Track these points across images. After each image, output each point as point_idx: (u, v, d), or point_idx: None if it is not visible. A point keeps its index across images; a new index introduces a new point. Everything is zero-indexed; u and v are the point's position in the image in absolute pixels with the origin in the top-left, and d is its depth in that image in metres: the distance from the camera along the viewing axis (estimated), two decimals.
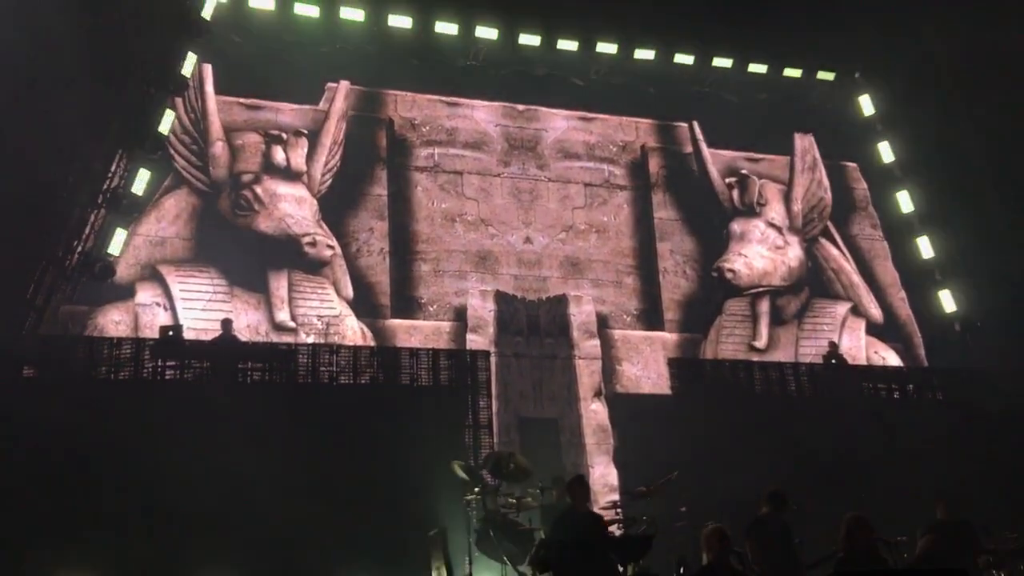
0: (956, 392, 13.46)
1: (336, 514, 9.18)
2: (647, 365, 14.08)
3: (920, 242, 15.40)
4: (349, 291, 13.28)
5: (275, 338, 12.49)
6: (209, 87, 13.54)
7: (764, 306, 14.98)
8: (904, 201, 15.68)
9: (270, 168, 13.58)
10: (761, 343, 14.73)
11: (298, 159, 13.71)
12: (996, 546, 8.66)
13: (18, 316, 10.49)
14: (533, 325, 13.87)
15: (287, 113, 13.95)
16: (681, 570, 8.09)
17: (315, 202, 13.55)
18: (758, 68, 15.98)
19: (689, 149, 15.72)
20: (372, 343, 12.88)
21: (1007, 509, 10.11)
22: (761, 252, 15.29)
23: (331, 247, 13.30)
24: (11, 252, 10.06)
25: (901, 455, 11.81)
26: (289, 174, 13.61)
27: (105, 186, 11.67)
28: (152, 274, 12.53)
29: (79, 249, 11.42)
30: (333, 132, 13.99)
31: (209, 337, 11.75)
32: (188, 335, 11.76)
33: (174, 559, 8.51)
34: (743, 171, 15.77)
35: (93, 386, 10.14)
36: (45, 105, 10.49)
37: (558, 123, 15.17)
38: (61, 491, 8.73)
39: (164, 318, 12.21)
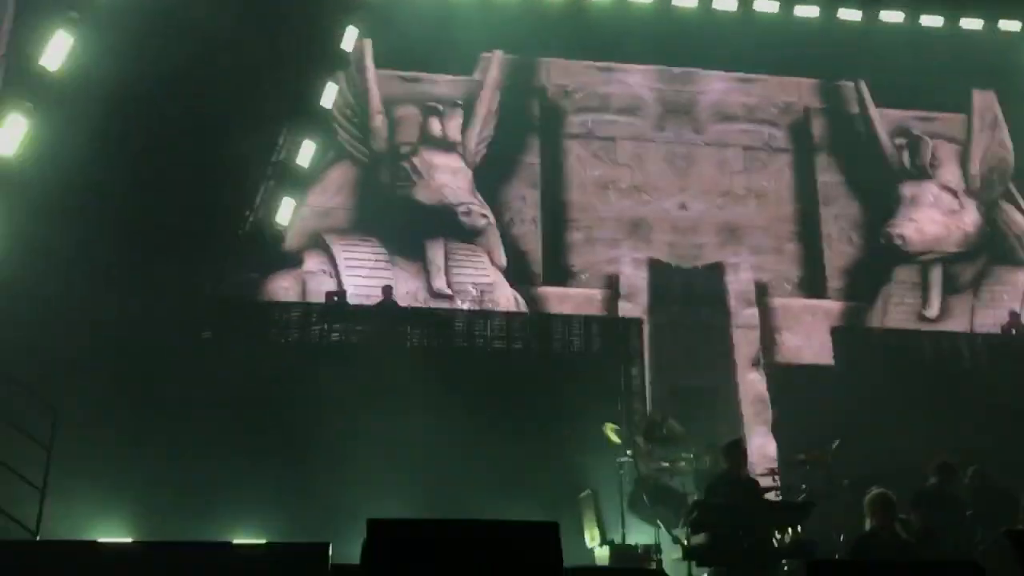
0: None
1: (489, 476, 9.39)
2: (809, 335, 13.60)
3: None
4: (503, 259, 13.46)
5: (433, 304, 12.84)
6: (369, 61, 13.98)
7: (936, 274, 14.16)
8: None
9: (427, 139, 13.91)
10: (932, 312, 13.94)
11: (454, 130, 13.97)
12: None
13: (197, 282, 11.20)
14: (688, 293, 13.65)
15: (443, 85, 14.23)
16: (842, 537, 7.82)
17: (470, 172, 13.79)
18: (932, 21, 14.99)
19: (856, 109, 14.98)
20: (525, 310, 13.03)
21: None
22: (933, 217, 14.43)
23: (485, 216, 13.51)
24: (189, 222, 10.73)
25: None
26: (445, 145, 13.90)
27: (273, 159, 12.26)
28: (318, 243, 13.11)
29: (251, 218, 12.07)
30: (487, 102, 14.17)
31: (371, 303, 12.23)
32: (352, 301, 12.30)
33: (338, 510, 8.92)
34: (914, 131, 14.91)
35: (265, 348, 10.77)
36: (218, 85, 11.12)
37: (715, 85, 14.78)
38: (236, 451, 9.31)
39: (330, 285, 12.77)
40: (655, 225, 13.94)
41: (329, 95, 13.05)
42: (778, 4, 14.58)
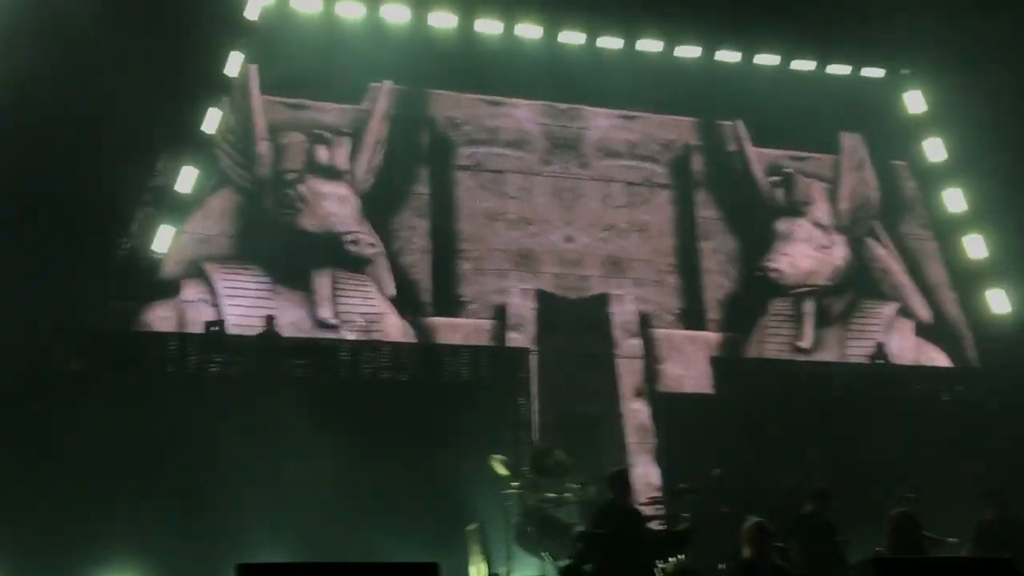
0: (1005, 394, 13.20)
1: (375, 509, 9.24)
2: (689, 364, 13.95)
3: (970, 241, 15.07)
4: (391, 289, 13.34)
5: (318, 335, 12.59)
6: (254, 87, 13.73)
7: (809, 306, 14.77)
8: (954, 199, 15.36)
9: (314, 167, 13.72)
10: (806, 343, 14.52)
11: (341, 158, 13.84)
12: None
13: (66, 311, 10.70)
14: (574, 324, 13.82)
15: (331, 113, 14.09)
16: (722, 567, 8.00)
17: (358, 200, 13.66)
18: (804, 65, 15.79)
19: (733, 147, 15.57)
20: (414, 340, 12.94)
21: None
22: (806, 251, 15.08)
23: (373, 245, 13.39)
24: (60, 247, 10.26)
25: (949, 456, 11.62)
26: (332, 173, 13.74)
27: (151, 184, 11.88)
28: (198, 271, 12.70)
29: (126, 246, 11.63)
30: (376, 131, 14.10)
31: (253, 333, 11.91)
32: (232, 331, 11.96)
33: (213, 551, 8.59)
34: (788, 170, 15.58)
35: (140, 380, 10.34)
36: (95, 106, 10.73)
37: (600, 121, 15.12)
38: (104, 484, 8.88)
39: (209, 314, 12.37)
40: (542, 257, 14.10)
41: (212, 121, 12.80)
42: (661, 44, 15.07)
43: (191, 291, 12.57)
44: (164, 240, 12.06)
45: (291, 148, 13.75)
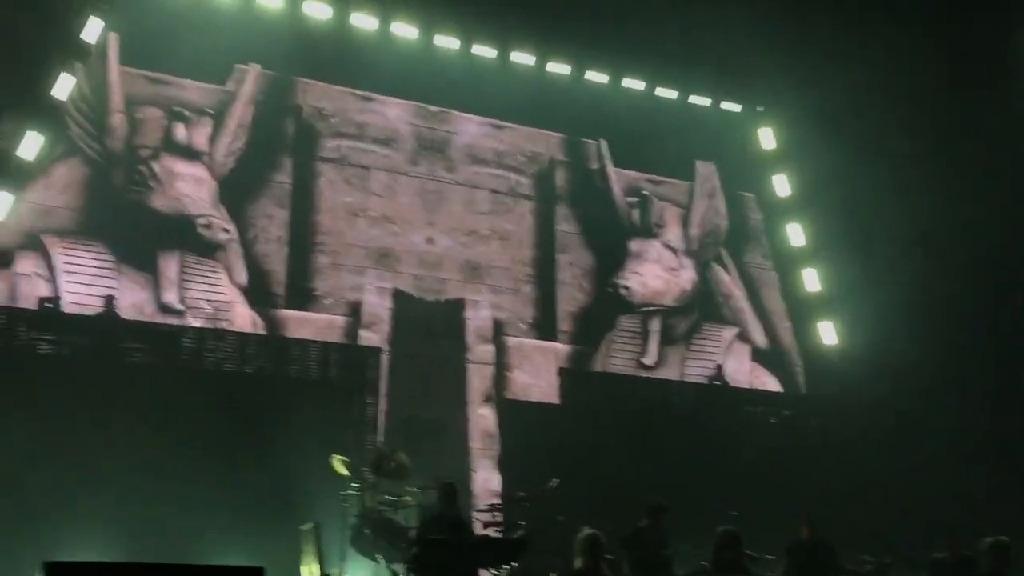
0: (829, 418, 14.13)
1: (208, 501, 8.99)
2: (538, 374, 14.22)
3: (806, 275, 16.01)
4: (243, 278, 12.99)
5: (161, 320, 12.13)
6: (113, 56, 13.06)
7: (655, 324, 15.32)
8: (794, 234, 16.28)
9: (170, 145, 13.18)
10: (650, 360, 15.05)
11: (200, 139, 13.36)
12: (854, 567, 9.09)
13: None
14: (429, 326, 13.85)
15: (193, 91, 13.59)
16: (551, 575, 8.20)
17: (215, 184, 13.23)
18: (667, 93, 16.39)
19: (595, 166, 15.97)
20: (263, 332, 12.65)
21: (866, 532, 10.63)
22: (656, 272, 15.64)
23: (227, 230, 12.99)
24: None
25: (775, 476, 12.32)
26: (190, 153, 13.25)
27: None
28: (35, 243, 11.99)
29: None
30: (239, 115, 13.69)
31: (91, 313, 11.37)
32: (68, 310, 11.37)
33: (34, 541, 8.16)
34: (645, 192, 16.12)
35: None
36: None
37: (470, 128, 15.22)
38: None
39: (45, 290, 11.70)
40: (402, 257, 14.06)
41: (64, 86, 12.13)
42: (533, 58, 15.32)
43: (26, 264, 11.85)
44: (2, 208, 11.33)
45: (147, 123, 13.17)
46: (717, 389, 14.85)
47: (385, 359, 12.98)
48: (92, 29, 12.47)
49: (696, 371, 15.23)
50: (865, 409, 14.01)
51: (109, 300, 11.45)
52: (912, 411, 13.51)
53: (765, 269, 16.56)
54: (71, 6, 12.21)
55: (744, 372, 15.58)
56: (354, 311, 13.45)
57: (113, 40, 13.05)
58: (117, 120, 12.94)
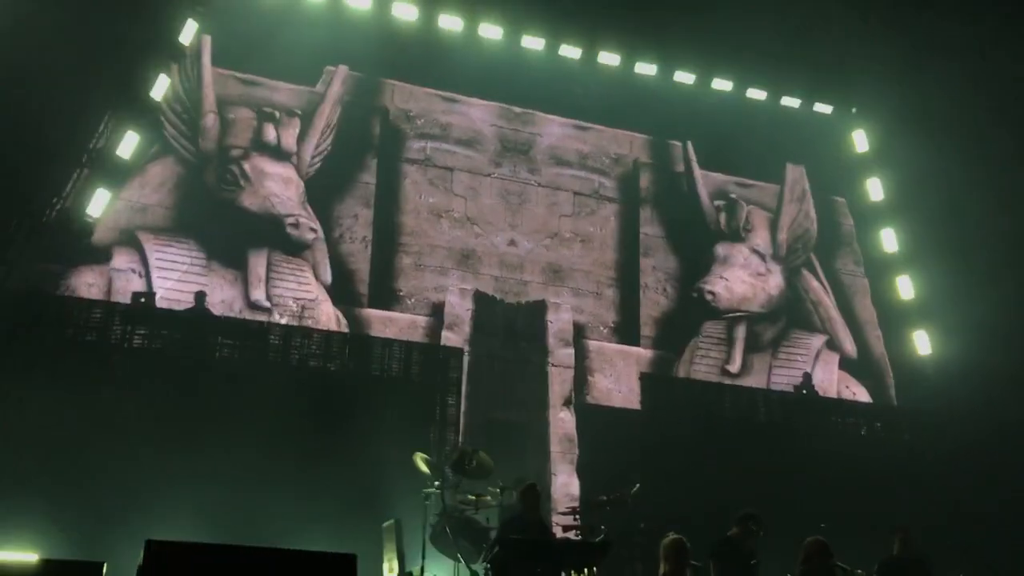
0: (921, 432, 13.59)
1: (293, 495, 9.10)
2: (619, 378, 14.04)
3: (900, 282, 15.47)
4: (328, 276, 13.16)
5: (248, 316, 12.35)
6: (207, 58, 13.42)
7: (741, 331, 14.98)
8: (888, 240, 15.76)
9: (260, 145, 13.46)
10: (735, 367, 14.73)
11: (289, 139, 13.61)
12: None
13: None
14: (509, 328, 13.81)
15: (283, 92, 13.85)
16: None
17: (302, 184, 13.45)
18: (757, 94, 16.05)
19: (681, 168, 15.74)
20: (346, 330, 12.78)
21: (958, 550, 10.19)
22: (743, 277, 15.30)
23: (314, 230, 13.19)
24: None
25: (865, 489, 11.90)
26: (279, 153, 13.50)
27: (91, 145, 11.53)
28: (130, 240, 12.35)
29: (58, 207, 11.26)
30: (327, 115, 13.91)
31: (182, 308, 11.64)
32: (161, 304, 11.67)
33: (138, 521, 8.35)
34: (732, 195, 15.81)
35: (59, 345, 10.02)
36: (37, 59, 10.37)
37: (553, 129, 15.15)
38: (10, 456, 8.57)
39: (138, 285, 12.04)
40: (484, 258, 14.06)
41: (160, 87, 12.48)
42: (619, 58, 15.17)
43: (121, 259, 12.22)
44: (99, 204, 11.69)
45: (238, 124, 13.47)
46: (804, 398, 14.42)
47: (466, 360, 12.97)
48: (188, 31, 12.82)
49: (783, 379, 14.83)
50: (960, 422, 13.42)
51: (200, 296, 11.72)
52: (1009, 425, 12.89)
53: (857, 276, 16.06)
54: (169, 10, 12.56)
55: (833, 381, 15.11)
56: (436, 311, 13.49)
57: (207, 42, 13.41)
58: (210, 120, 13.26)
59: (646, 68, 15.35)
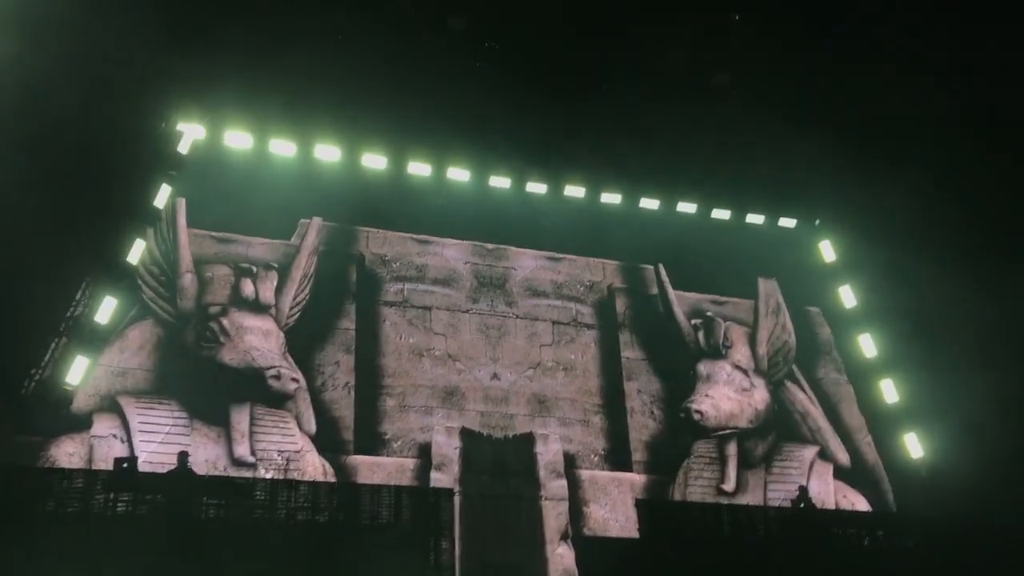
0: (924, 539, 13.32)
1: None
2: (615, 507, 13.80)
3: (884, 386, 15.52)
4: (312, 425, 13.04)
5: (233, 473, 12.14)
6: (182, 219, 13.67)
7: (732, 448, 14.87)
8: (867, 345, 15.91)
9: (238, 300, 13.56)
10: (729, 486, 14.53)
11: (267, 292, 13.72)
12: None
13: None
14: (499, 464, 13.63)
15: (258, 247, 14.06)
16: None
17: (282, 335, 13.49)
18: (722, 214, 16.49)
19: (655, 290, 15.95)
20: (333, 479, 12.56)
21: None
22: (728, 394, 15.30)
23: (296, 380, 13.14)
24: None
25: None
26: (257, 307, 13.59)
27: (69, 314, 11.57)
28: (111, 405, 12.24)
29: (36, 378, 11.19)
30: (304, 266, 14.09)
31: (165, 470, 11.42)
32: (144, 468, 11.45)
33: None
34: (708, 313, 15.98)
35: (40, 520, 9.75)
36: (11, 230, 10.53)
37: (526, 262, 15.41)
38: None
39: (120, 450, 11.85)
40: (468, 394, 14.02)
41: (136, 251, 12.66)
42: (584, 190, 15.61)
43: (103, 426, 12.07)
44: (78, 372, 11.64)
45: (216, 281, 13.61)
46: (803, 512, 14.17)
47: (458, 500, 12.73)
48: (161, 196, 13.12)
49: (779, 494, 14.61)
50: (961, 527, 13.20)
51: (182, 456, 11.51)
52: (1013, 528, 12.70)
53: (840, 383, 16.11)
54: (142, 176, 12.87)
55: (829, 492, 14.91)
56: (424, 452, 13.33)
57: (181, 204, 13.68)
58: (187, 280, 13.39)
59: (611, 197, 15.81)
